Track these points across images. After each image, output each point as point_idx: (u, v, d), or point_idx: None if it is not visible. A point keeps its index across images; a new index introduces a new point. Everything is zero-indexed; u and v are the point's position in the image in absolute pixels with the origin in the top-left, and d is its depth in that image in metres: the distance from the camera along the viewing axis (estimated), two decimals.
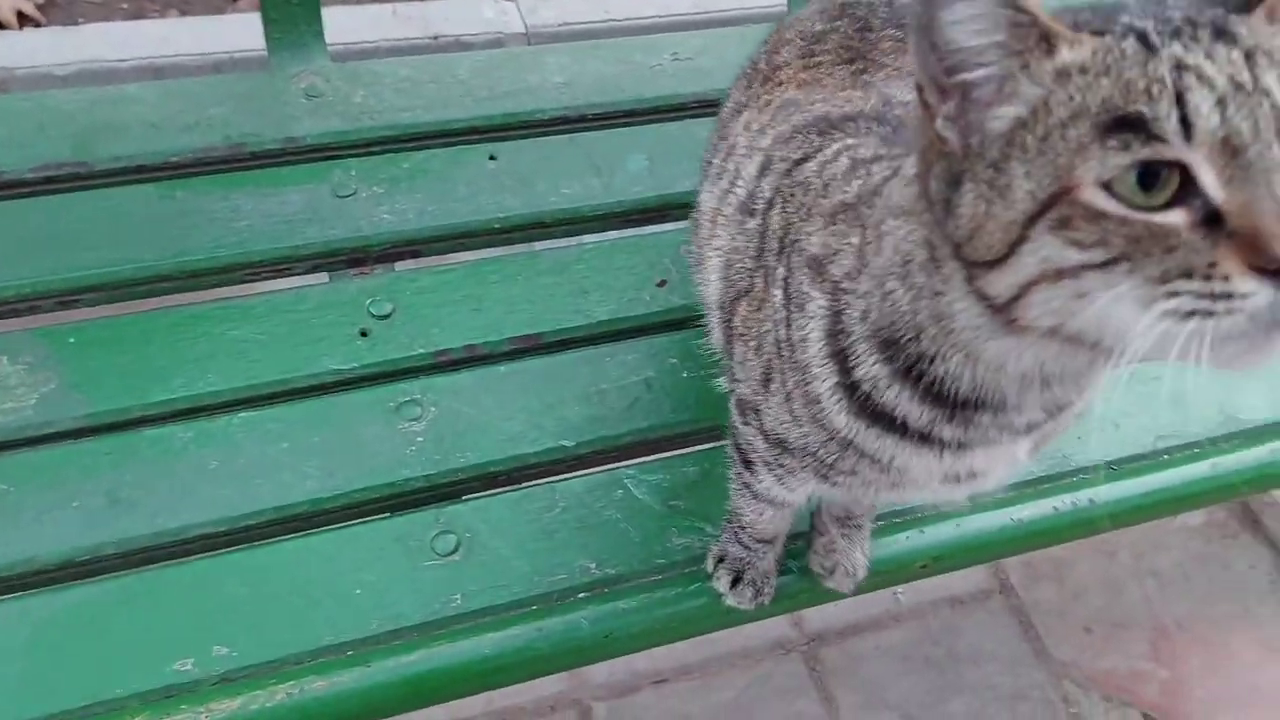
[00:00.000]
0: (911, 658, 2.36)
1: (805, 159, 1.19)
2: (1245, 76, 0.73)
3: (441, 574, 1.44)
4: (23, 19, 3.15)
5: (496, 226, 1.85)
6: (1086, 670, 2.37)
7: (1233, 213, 0.72)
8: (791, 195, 1.15)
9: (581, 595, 1.43)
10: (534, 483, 1.56)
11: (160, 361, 1.60)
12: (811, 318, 1.05)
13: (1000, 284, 0.81)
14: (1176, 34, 0.76)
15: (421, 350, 1.66)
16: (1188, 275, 0.72)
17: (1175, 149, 0.72)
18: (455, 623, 1.40)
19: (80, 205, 1.77)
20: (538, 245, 1.89)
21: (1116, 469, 1.61)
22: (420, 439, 1.56)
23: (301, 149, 1.90)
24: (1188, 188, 0.73)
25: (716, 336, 1.37)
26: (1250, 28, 0.77)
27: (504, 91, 2.03)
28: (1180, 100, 0.72)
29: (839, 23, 1.41)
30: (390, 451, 1.55)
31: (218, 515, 1.47)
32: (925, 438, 1.01)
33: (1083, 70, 0.77)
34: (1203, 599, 2.51)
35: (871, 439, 1.04)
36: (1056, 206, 0.76)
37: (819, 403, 1.06)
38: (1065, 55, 0.78)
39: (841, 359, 1.02)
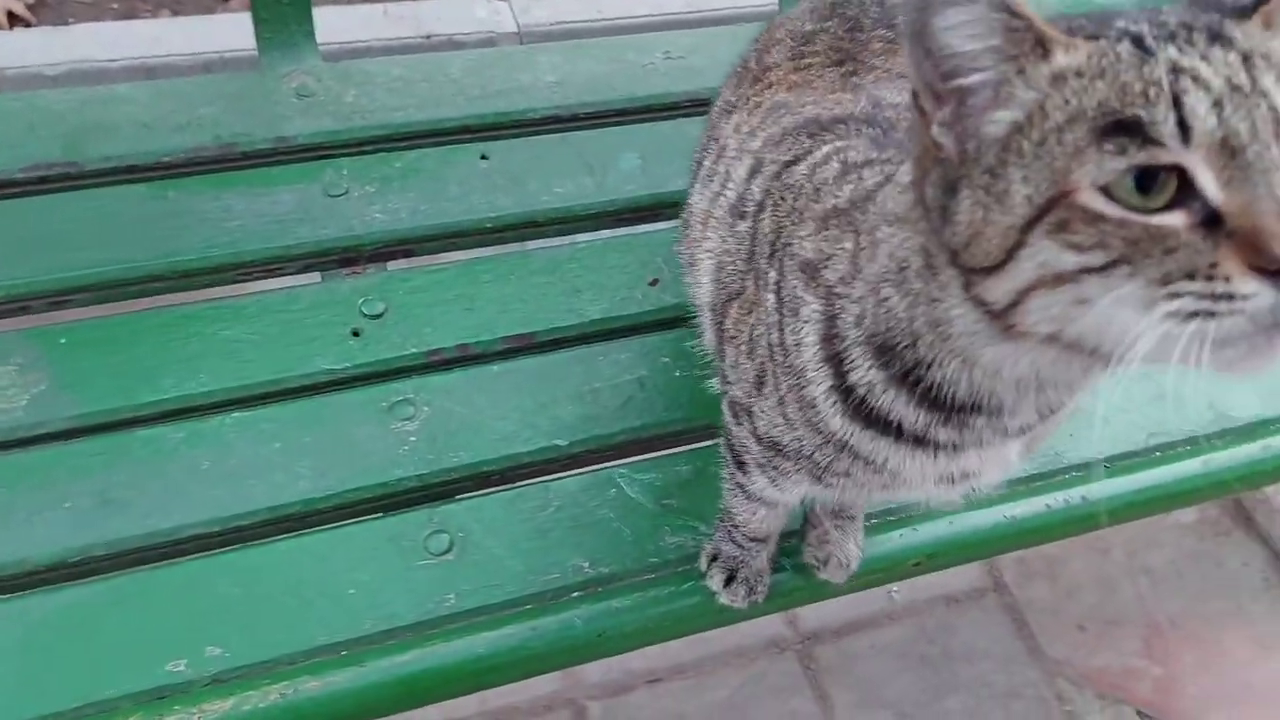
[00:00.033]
0: (906, 656, 2.36)
1: (795, 161, 1.19)
2: (1243, 78, 0.73)
3: (435, 573, 1.44)
4: (13, 19, 3.14)
5: (489, 226, 1.85)
6: (1080, 668, 2.37)
7: (1232, 213, 0.72)
8: (782, 198, 1.15)
9: (575, 594, 1.43)
10: (527, 482, 1.56)
11: (152, 362, 1.60)
12: (806, 322, 1.05)
13: (998, 290, 0.81)
14: (1172, 38, 0.76)
15: (414, 350, 1.66)
16: (1190, 276, 0.72)
17: (1173, 152, 0.72)
18: (449, 622, 1.40)
19: (71, 205, 1.77)
20: (530, 244, 1.89)
21: (1109, 466, 1.62)
22: (413, 438, 1.56)
23: (293, 148, 1.89)
24: (1186, 189, 0.73)
25: (709, 338, 1.37)
26: (1246, 33, 0.77)
27: (496, 90, 2.03)
28: (1177, 103, 0.72)
29: (829, 23, 1.41)
30: (383, 451, 1.54)
31: (210, 515, 1.47)
32: (920, 440, 1.01)
33: (1078, 74, 0.77)
34: (1196, 596, 2.52)
35: (866, 442, 1.04)
36: (1054, 210, 0.75)
37: (814, 407, 1.06)
38: (1060, 59, 0.78)
39: (836, 363, 1.02)
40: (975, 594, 2.47)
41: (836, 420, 1.04)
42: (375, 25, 3.15)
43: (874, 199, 1.01)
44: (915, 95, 0.84)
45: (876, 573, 1.51)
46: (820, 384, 1.04)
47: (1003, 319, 0.82)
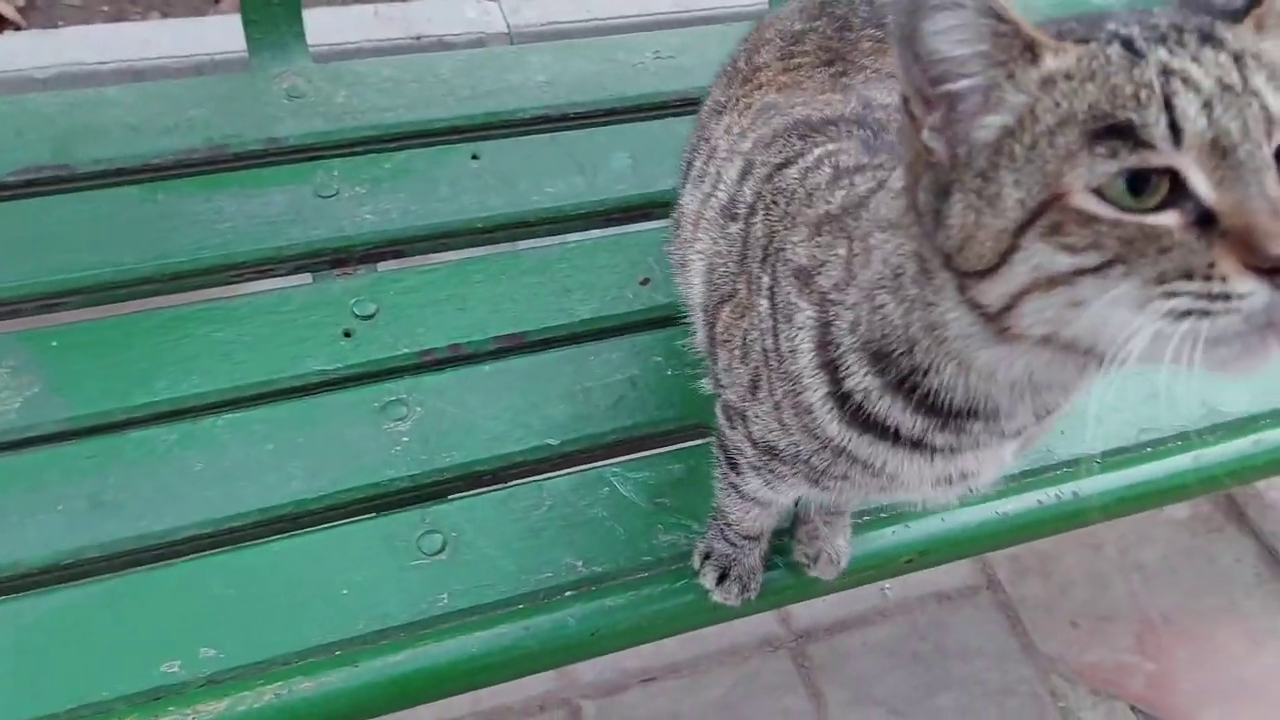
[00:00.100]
0: (899, 653, 2.36)
1: (786, 164, 1.19)
2: (1234, 78, 0.73)
3: (428, 573, 1.44)
4: (2, 22, 3.13)
5: (479, 226, 1.85)
6: (1073, 664, 2.37)
7: (1225, 213, 0.72)
8: (774, 202, 1.15)
9: (568, 593, 1.43)
10: (519, 481, 1.56)
11: (144, 364, 1.60)
12: (800, 328, 1.05)
13: (992, 293, 0.81)
14: (1162, 39, 0.76)
15: (406, 350, 1.66)
16: (1187, 277, 0.72)
17: (1164, 155, 0.72)
18: (442, 622, 1.40)
19: (62, 208, 1.77)
20: (521, 244, 1.89)
21: (1100, 462, 1.62)
22: (405, 439, 1.56)
23: (284, 150, 1.90)
24: (1179, 190, 0.73)
25: (701, 338, 1.37)
26: (1237, 35, 0.77)
27: (486, 91, 2.03)
28: (1168, 105, 0.72)
29: (818, 22, 1.40)
30: (376, 451, 1.54)
31: (203, 517, 1.47)
32: (917, 444, 1.01)
33: (1068, 77, 0.77)
34: (1189, 592, 2.52)
35: (864, 447, 1.04)
36: (1047, 213, 0.75)
37: (810, 413, 1.06)
38: (1050, 63, 0.78)
39: (832, 369, 1.02)
40: (968, 591, 2.48)
41: (833, 426, 1.05)
42: (365, 26, 3.14)
43: (866, 205, 1.01)
44: (905, 100, 0.84)
45: (869, 570, 1.52)
46: (816, 390, 1.04)
47: (997, 322, 0.82)
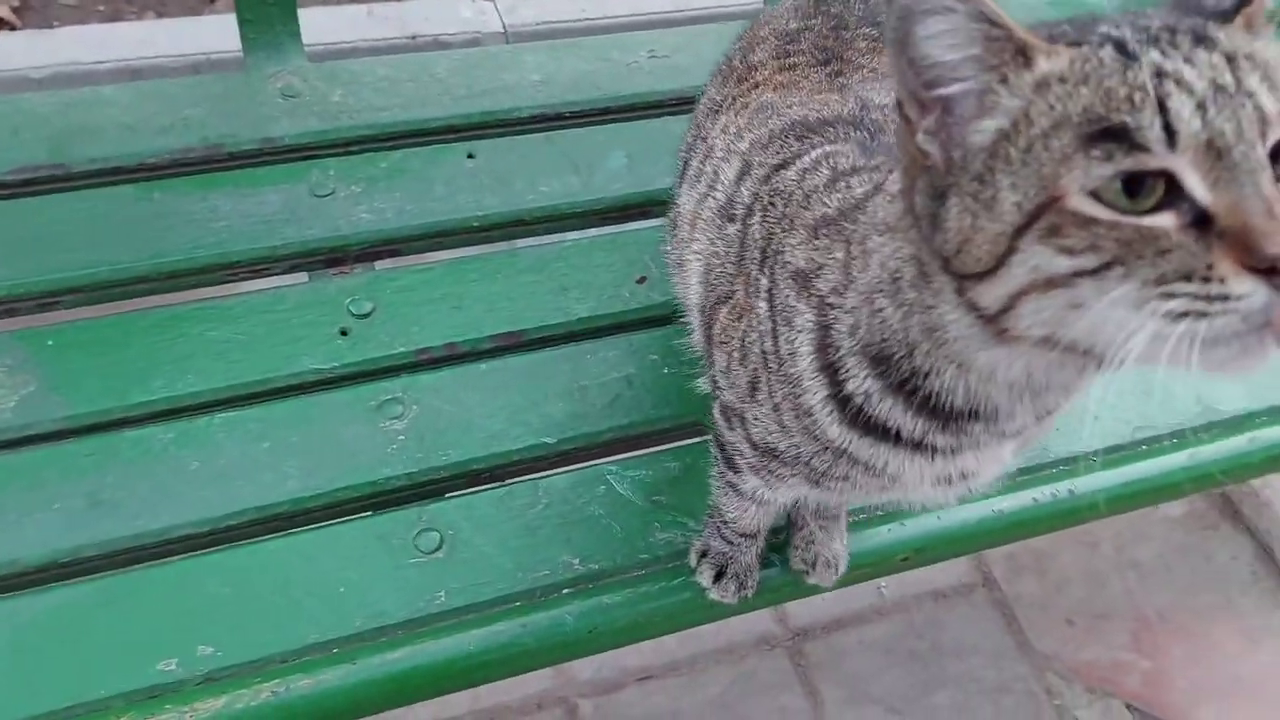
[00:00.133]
0: (895, 651, 2.36)
1: (784, 165, 1.19)
2: (1228, 79, 0.74)
3: (425, 571, 1.44)
4: None
5: (475, 225, 1.85)
6: (1069, 662, 2.38)
7: (1221, 214, 0.72)
8: (772, 203, 1.15)
9: (565, 591, 1.43)
10: (516, 480, 1.56)
11: (140, 363, 1.60)
12: (800, 331, 1.05)
13: (990, 295, 0.81)
14: (1154, 41, 0.76)
15: (402, 349, 1.66)
16: (1186, 278, 0.72)
17: (1159, 158, 0.72)
18: (439, 620, 1.40)
19: (58, 207, 1.77)
20: (517, 243, 1.90)
21: (1094, 460, 1.62)
22: (402, 437, 1.56)
23: (279, 149, 1.90)
24: (1175, 191, 0.73)
25: (698, 338, 1.37)
26: (1229, 35, 0.77)
27: (482, 90, 2.03)
28: (1162, 108, 0.72)
29: (814, 21, 1.41)
30: (372, 450, 1.55)
31: (199, 516, 1.47)
32: (919, 445, 1.01)
33: (1062, 80, 0.77)
34: (1184, 590, 2.52)
35: (865, 448, 1.04)
36: (1044, 216, 0.75)
37: (810, 415, 1.06)
38: (1043, 66, 0.78)
39: (832, 372, 1.02)
40: (964, 589, 2.48)
41: (834, 429, 1.05)
42: (360, 26, 3.14)
43: (863, 208, 1.01)
44: (900, 104, 0.84)
45: (865, 568, 1.52)
46: (816, 393, 1.04)
47: (996, 323, 0.82)
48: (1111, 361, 0.75)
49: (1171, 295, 0.72)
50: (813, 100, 1.29)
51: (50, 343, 1.61)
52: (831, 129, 1.22)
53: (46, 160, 1.81)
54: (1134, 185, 0.73)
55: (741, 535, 1.40)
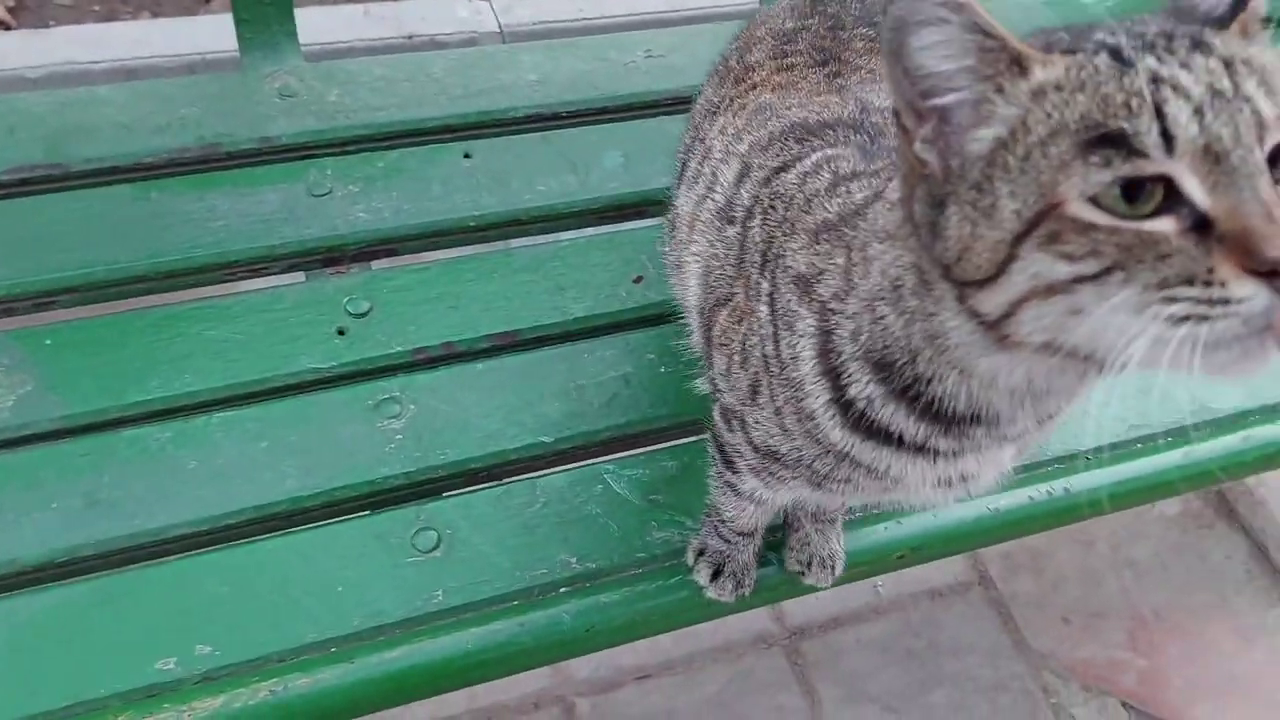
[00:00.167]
0: (892, 650, 2.37)
1: (784, 168, 1.19)
2: (1225, 84, 0.74)
3: (423, 570, 1.44)
4: None
5: (472, 224, 1.85)
6: (1065, 660, 2.38)
7: (1220, 218, 0.72)
8: (772, 207, 1.15)
9: (563, 590, 1.44)
10: (514, 479, 1.56)
11: (137, 362, 1.60)
12: (801, 336, 1.05)
13: (991, 302, 0.81)
14: (1150, 47, 0.76)
15: (399, 348, 1.66)
16: (1187, 282, 0.72)
17: (1157, 163, 0.72)
18: (437, 619, 1.40)
19: (55, 207, 1.77)
20: (513, 243, 1.90)
21: (1091, 458, 1.62)
22: (399, 436, 1.56)
23: (276, 148, 1.90)
24: (1174, 196, 0.73)
25: (696, 339, 1.36)
26: (1225, 41, 0.77)
27: (478, 90, 2.04)
28: (1159, 113, 0.72)
29: (810, 21, 1.40)
30: (369, 449, 1.55)
31: (197, 515, 1.47)
32: (921, 449, 1.01)
33: (1058, 87, 0.77)
34: (1180, 588, 2.53)
35: (868, 452, 1.04)
36: (1044, 223, 0.75)
37: (813, 419, 1.06)
38: (1039, 74, 0.78)
39: (834, 377, 1.02)
40: (960, 588, 2.48)
41: (836, 432, 1.05)
42: (357, 25, 3.14)
43: (864, 214, 1.02)
44: (897, 114, 0.85)
45: (861, 566, 1.52)
46: (819, 397, 1.04)
47: (997, 330, 0.82)
48: (1113, 366, 0.75)
49: (1172, 299, 0.72)
50: (812, 102, 1.29)
51: (47, 342, 1.61)
52: (832, 132, 1.21)
53: (43, 160, 1.81)
54: (1133, 191, 0.73)
55: (739, 534, 1.40)
